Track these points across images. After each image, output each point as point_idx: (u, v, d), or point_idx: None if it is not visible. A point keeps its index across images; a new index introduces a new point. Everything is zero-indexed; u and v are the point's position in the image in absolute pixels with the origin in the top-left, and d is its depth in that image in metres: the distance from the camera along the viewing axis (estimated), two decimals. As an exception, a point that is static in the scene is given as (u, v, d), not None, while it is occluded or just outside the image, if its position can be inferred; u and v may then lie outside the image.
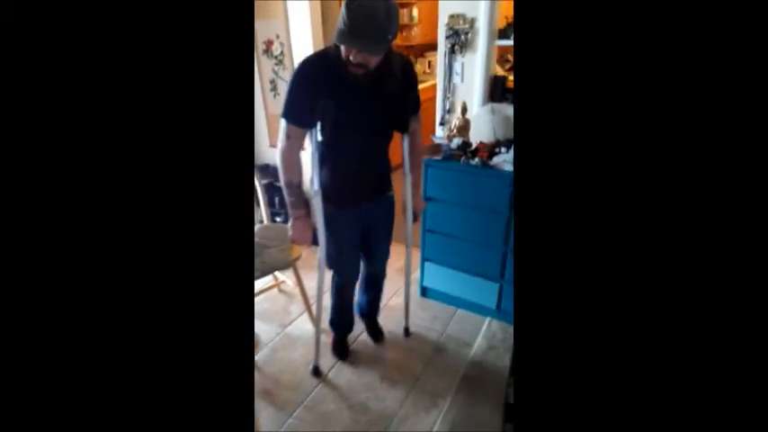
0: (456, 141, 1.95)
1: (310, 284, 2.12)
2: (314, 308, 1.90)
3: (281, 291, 2.34)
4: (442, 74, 2.23)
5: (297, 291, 2.05)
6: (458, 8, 2.06)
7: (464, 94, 2.18)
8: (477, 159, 1.86)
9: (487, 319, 2.09)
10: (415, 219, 1.78)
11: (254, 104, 2.79)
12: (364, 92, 1.33)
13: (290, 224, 1.51)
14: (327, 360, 1.87)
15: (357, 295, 1.90)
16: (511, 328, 2.00)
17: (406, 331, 2.01)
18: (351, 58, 1.23)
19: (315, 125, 1.39)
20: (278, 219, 2.81)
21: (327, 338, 1.93)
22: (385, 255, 1.78)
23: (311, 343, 1.85)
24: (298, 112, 1.34)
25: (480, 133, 2.06)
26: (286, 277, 2.28)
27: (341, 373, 1.82)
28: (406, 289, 1.93)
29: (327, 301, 1.82)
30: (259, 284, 2.16)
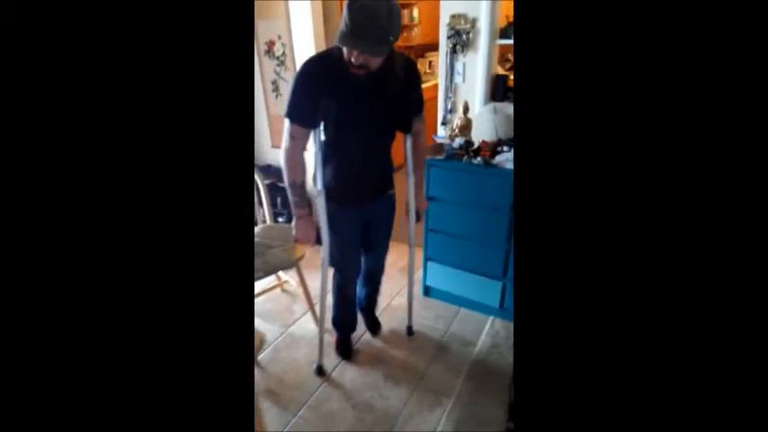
0: (458, 141, 1.95)
1: (313, 284, 2.13)
2: (317, 307, 1.91)
3: (283, 291, 2.34)
4: (443, 73, 2.23)
5: (300, 290, 2.05)
6: (459, 8, 2.06)
7: (466, 94, 2.19)
8: (479, 158, 1.86)
9: (490, 317, 2.09)
10: (418, 218, 1.79)
11: (256, 105, 2.79)
12: (366, 92, 1.34)
13: (293, 223, 1.52)
14: (331, 359, 1.87)
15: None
16: (514, 327, 2.00)
17: (409, 330, 2.02)
18: (353, 59, 1.23)
19: (318, 125, 1.40)
20: (280, 219, 2.82)
21: (331, 338, 1.94)
22: (384, 250, 1.81)
23: (314, 342, 1.85)
24: (301, 113, 1.35)
25: (482, 132, 2.07)
26: (289, 277, 2.29)
27: (345, 373, 1.82)
28: (409, 288, 1.94)
29: (330, 300, 1.83)
30: (262, 284, 2.16)
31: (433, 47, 4.18)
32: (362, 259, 1.78)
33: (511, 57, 2.49)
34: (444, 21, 2.13)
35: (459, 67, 2.17)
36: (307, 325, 2.09)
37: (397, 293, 2.31)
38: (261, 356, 1.89)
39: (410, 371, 1.82)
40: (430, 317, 2.14)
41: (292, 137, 1.37)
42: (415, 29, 4.30)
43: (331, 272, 1.70)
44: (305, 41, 2.42)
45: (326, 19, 2.44)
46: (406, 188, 1.69)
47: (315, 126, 1.40)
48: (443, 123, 2.31)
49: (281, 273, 2.22)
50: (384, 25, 1.16)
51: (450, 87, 2.23)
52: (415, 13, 4.26)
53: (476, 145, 1.95)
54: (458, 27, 2.09)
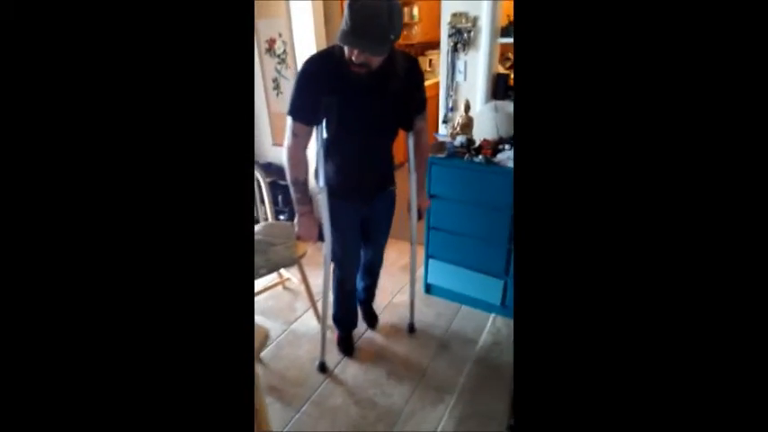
0: (459, 139, 1.96)
1: (315, 282, 2.13)
2: (319, 304, 1.91)
3: (285, 288, 2.35)
4: (444, 72, 2.24)
5: (302, 288, 2.06)
6: (460, 7, 2.07)
7: (467, 92, 2.19)
8: (480, 157, 1.87)
9: (492, 315, 2.10)
10: (420, 216, 1.80)
11: (257, 103, 2.80)
12: (367, 91, 1.34)
13: (295, 220, 1.53)
14: (333, 356, 1.88)
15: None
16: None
17: (411, 327, 2.03)
18: (353, 58, 1.24)
19: (320, 122, 1.40)
20: (281, 217, 2.82)
21: (333, 335, 1.95)
22: (383, 243, 1.83)
23: (317, 339, 1.86)
24: (303, 110, 1.36)
25: (483, 131, 2.07)
26: (291, 274, 2.30)
27: (347, 369, 1.83)
28: (411, 286, 1.95)
29: (331, 297, 1.84)
30: (264, 282, 2.17)
31: (434, 45, 4.19)
32: (362, 252, 1.80)
33: (511, 55, 2.50)
34: (445, 19, 2.13)
35: (460, 65, 2.18)
36: (309, 322, 2.09)
37: (398, 291, 2.32)
38: (263, 353, 1.89)
39: (412, 368, 1.83)
40: (431, 314, 2.14)
41: (294, 134, 1.38)
42: (416, 27, 4.31)
43: (331, 267, 1.71)
44: (306, 40, 2.42)
45: (327, 18, 2.44)
46: (407, 186, 1.70)
47: (317, 123, 1.40)
48: (445, 122, 2.32)
49: (282, 270, 2.23)
50: (385, 24, 1.17)
51: (452, 86, 2.24)
52: (416, 11, 4.26)
53: (477, 143, 1.96)
54: (459, 25, 2.09)
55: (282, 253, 1.86)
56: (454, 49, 2.15)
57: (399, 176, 1.69)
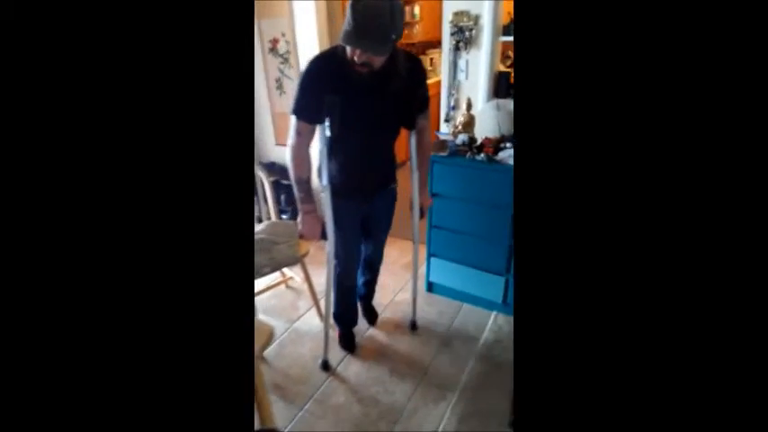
0: (461, 137, 1.96)
1: (318, 281, 2.14)
2: (322, 303, 1.92)
3: (288, 287, 2.36)
4: (446, 71, 2.25)
5: (304, 287, 2.07)
6: (462, 5, 2.08)
7: (469, 91, 2.20)
8: (482, 155, 1.87)
9: (493, 313, 2.11)
10: (422, 215, 1.80)
11: (260, 103, 2.81)
12: (369, 90, 1.35)
13: (299, 219, 1.54)
14: (336, 354, 1.89)
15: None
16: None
17: (413, 325, 2.04)
18: (355, 58, 1.25)
19: (323, 121, 1.41)
20: (284, 216, 2.83)
21: (335, 333, 1.96)
22: (384, 239, 1.84)
23: (319, 338, 1.87)
24: (307, 109, 1.37)
25: (485, 129, 2.08)
26: (294, 273, 2.31)
27: (349, 367, 1.84)
28: (413, 284, 1.96)
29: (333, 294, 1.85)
30: (267, 281, 2.18)
31: (434, 44, 4.20)
32: (362, 247, 1.82)
33: (511, 54, 2.50)
34: (447, 18, 2.14)
35: (462, 64, 2.18)
36: (311, 320, 2.10)
37: (400, 289, 2.32)
38: (266, 352, 1.91)
39: (414, 366, 1.84)
40: (433, 312, 2.15)
41: (298, 132, 1.39)
42: (417, 26, 4.31)
43: (332, 264, 1.72)
44: (309, 40, 2.43)
45: (330, 17, 2.45)
46: (410, 184, 1.71)
47: (320, 122, 1.41)
48: (446, 120, 2.32)
49: (285, 269, 2.23)
50: (386, 24, 1.17)
51: (453, 84, 2.25)
52: (417, 10, 4.26)
53: (479, 141, 1.96)
54: (461, 24, 2.10)
55: (286, 252, 1.87)
56: (456, 48, 2.16)
57: (401, 175, 1.70)
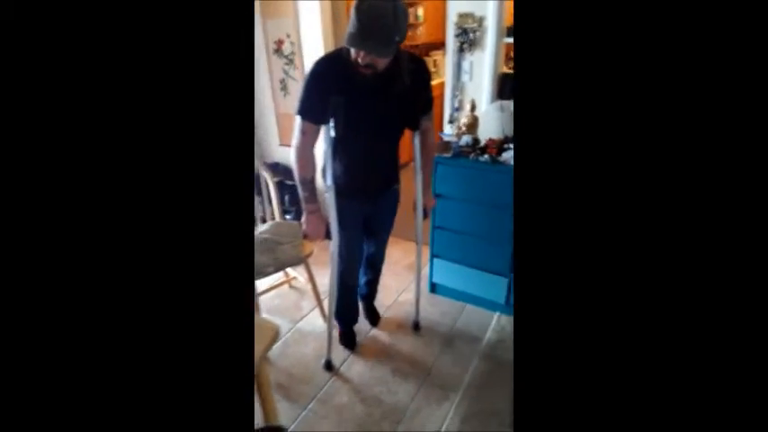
0: (465, 138, 1.97)
1: (321, 281, 2.15)
2: (325, 303, 1.93)
3: (292, 287, 2.37)
4: (450, 72, 2.25)
5: (308, 287, 2.08)
6: (466, 7, 2.08)
7: (473, 92, 2.21)
8: (486, 156, 1.88)
9: (496, 313, 2.11)
10: (426, 216, 1.81)
11: (264, 104, 2.82)
12: (373, 92, 1.36)
13: (303, 219, 1.55)
14: (339, 354, 1.90)
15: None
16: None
17: (416, 325, 2.04)
18: (359, 59, 1.26)
19: (328, 122, 1.42)
20: (288, 216, 2.84)
21: (337, 332, 1.96)
22: (386, 238, 1.85)
23: (323, 338, 1.88)
24: (311, 110, 1.38)
25: (489, 130, 2.08)
26: (297, 273, 2.31)
27: (353, 367, 1.84)
28: (416, 285, 1.96)
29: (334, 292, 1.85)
30: (271, 281, 2.19)
31: (438, 46, 4.20)
32: (364, 246, 1.83)
33: (513, 55, 2.51)
34: (452, 19, 2.14)
35: (466, 65, 2.19)
36: (315, 321, 2.11)
37: (404, 290, 2.33)
38: (270, 351, 1.91)
39: (417, 366, 1.84)
40: (436, 313, 2.16)
41: (303, 132, 1.40)
42: (420, 28, 4.31)
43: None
44: (313, 41, 2.44)
45: (335, 18, 2.46)
46: (413, 185, 1.71)
47: (324, 122, 1.43)
48: (450, 121, 2.33)
49: (289, 269, 2.24)
50: (390, 26, 1.18)
51: (457, 86, 2.25)
52: (420, 12, 4.27)
53: (482, 143, 1.97)
54: (465, 26, 2.10)
55: (289, 252, 1.87)
56: (460, 49, 2.17)
57: (405, 176, 1.70)
